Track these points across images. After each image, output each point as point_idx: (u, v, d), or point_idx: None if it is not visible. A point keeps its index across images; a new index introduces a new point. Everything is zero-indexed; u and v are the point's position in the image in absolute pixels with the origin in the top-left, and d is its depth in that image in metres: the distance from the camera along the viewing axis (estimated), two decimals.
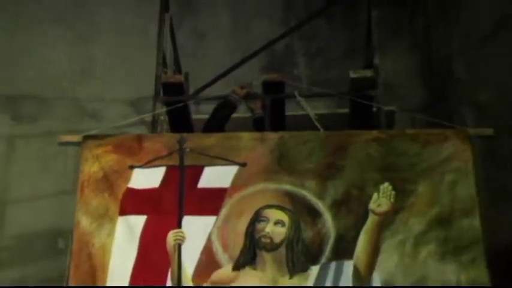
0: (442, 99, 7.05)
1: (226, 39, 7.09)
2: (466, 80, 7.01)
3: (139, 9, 6.53)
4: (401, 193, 5.18)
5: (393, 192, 5.05)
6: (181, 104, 6.16)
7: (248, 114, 6.30)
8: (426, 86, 7.20)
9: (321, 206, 5.26)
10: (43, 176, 7.10)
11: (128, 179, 5.57)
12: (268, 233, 5.13)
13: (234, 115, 6.15)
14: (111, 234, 5.41)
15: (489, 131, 5.42)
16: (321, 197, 5.30)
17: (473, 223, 5.09)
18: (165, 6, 6.30)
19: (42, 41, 7.68)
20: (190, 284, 5.16)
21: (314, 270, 5.09)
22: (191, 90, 6.49)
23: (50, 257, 6.73)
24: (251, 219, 5.25)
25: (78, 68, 7.57)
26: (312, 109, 5.91)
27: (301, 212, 5.28)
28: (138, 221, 5.43)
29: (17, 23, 7.81)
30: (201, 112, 6.62)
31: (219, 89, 6.42)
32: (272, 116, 6.07)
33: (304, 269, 5.09)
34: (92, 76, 7.47)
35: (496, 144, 5.57)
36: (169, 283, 5.15)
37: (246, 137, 5.68)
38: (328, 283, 5.03)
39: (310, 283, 5.05)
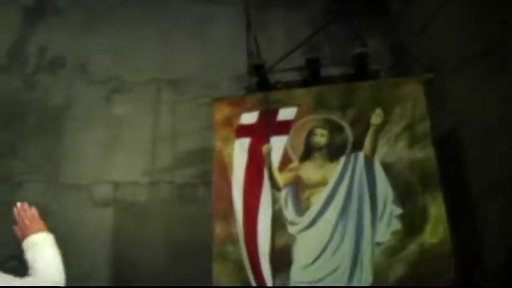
0: (403, 64, 7.04)
1: (282, 42, 7.00)
2: (415, 53, 7.00)
3: (240, 34, 6.40)
4: (386, 113, 5.37)
5: (382, 113, 5.35)
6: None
7: (299, 79, 6.25)
8: (393, 58, 7.13)
9: (344, 124, 5.44)
10: (192, 120, 7.14)
11: (239, 119, 5.74)
12: (317, 141, 5.46)
13: (297, 78, 6.19)
14: (232, 148, 5.65)
15: (430, 76, 5.60)
16: (343, 119, 5.45)
17: (425, 126, 5.26)
18: (248, 27, 6.34)
19: (187, 47, 7.74)
20: (277, 173, 5.48)
21: (342, 158, 5.35)
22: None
23: (200, 162, 6.87)
24: (306, 134, 5.51)
25: (204, 62, 7.60)
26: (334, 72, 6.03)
27: (334, 128, 5.47)
28: (246, 141, 5.65)
29: (162, 40, 7.89)
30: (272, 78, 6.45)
31: (280, 66, 6.27)
32: (313, 78, 6.05)
33: (337, 158, 5.35)
34: (214, 65, 7.47)
35: (433, 84, 5.59)
36: (265, 172, 5.47)
37: (302, 91, 5.85)
38: (351, 164, 5.31)
39: (340, 165, 5.32)
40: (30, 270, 2.75)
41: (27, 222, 2.91)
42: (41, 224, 2.94)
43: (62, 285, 2.72)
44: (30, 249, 2.82)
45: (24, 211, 2.96)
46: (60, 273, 2.73)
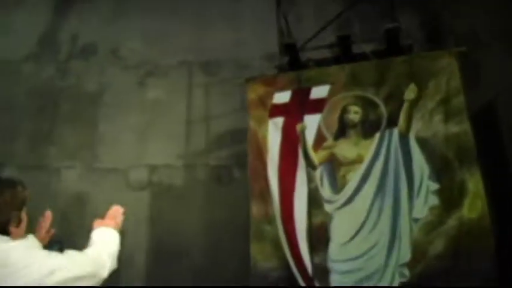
0: (436, 38, 6.94)
1: (312, 20, 6.89)
2: (448, 27, 6.93)
3: (270, 14, 6.36)
4: (420, 88, 5.23)
5: (416, 88, 5.24)
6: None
7: (331, 56, 6.20)
8: (426, 32, 7.03)
9: (377, 100, 5.35)
10: (225, 102, 7.19)
11: (272, 99, 5.72)
12: (351, 118, 5.40)
13: (328, 56, 6.16)
14: (266, 129, 5.65)
15: (464, 49, 5.39)
16: (377, 95, 5.37)
17: (460, 100, 5.11)
18: (278, 7, 6.29)
19: (218, 28, 7.76)
20: (311, 151, 5.46)
21: (377, 135, 5.27)
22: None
23: (234, 144, 6.92)
24: (340, 112, 5.45)
25: (235, 43, 7.53)
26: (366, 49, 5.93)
27: (367, 105, 5.39)
28: (280, 120, 5.62)
29: (192, 23, 7.85)
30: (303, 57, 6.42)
31: (311, 44, 6.26)
32: (345, 56, 6.00)
33: (372, 135, 5.29)
34: (245, 46, 7.42)
35: (467, 57, 5.47)
36: (300, 151, 5.45)
37: (334, 68, 5.77)
38: (386, 141, 5.24)
39: (375, 141, 5.26)
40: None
41: (110, 217, 3.18)
42: (117, 223, 3.15)
43: (105, 270, 2.78)
44: (95, 235, 2.99)
45: (116, 211, 3.24)
46: (106, 263, 2.81)
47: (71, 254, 2.67)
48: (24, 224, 2.68)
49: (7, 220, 2.56)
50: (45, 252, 2.60)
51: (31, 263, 2.43)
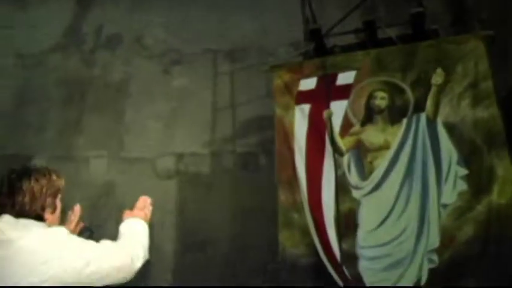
0: (462, 21, 6.88)
1: (337, 6, 6.83)
2: (474, 9, 6.85)
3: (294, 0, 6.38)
4: (448, 72, 5.16)
5: (443, 73, 5.18)
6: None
7: (356, 42, 6.19)
8: (452, 16, 6.97)
9: (404, 85, 5.29)
10: (250, 89, 7.18)
11: (298, 86, 5.69)
12: (377, 104, 5.38)
13: (353, 41, 6.14)
14: (293, 115, 5.63)
15: (491, 33, 5.28)
16: (403, 80, 5.31)
17: (488, 84, 5.02)
18: None
19: (242, 15, 7.75)
20: (338, 137, 5.45)
21: (404, 120, 5.23)
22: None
23: (260, 131, 6.94)
24: (367, 98, 5.41)
25: (260, 30, 7.54)
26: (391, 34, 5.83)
27: (394, 90, 5.34)
28: (306, 107, 5.60)
29: (215, 11, 7.87)
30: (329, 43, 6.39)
31: (337, 30, 6.27)
32: (370, 41, 5.96)
33: (399, 121, 5.24)
34: (270, 33, 7.40)
35: (494, 41, 5.38)
36: (327, 137, 5.43)
37: (360, 54, 5.70)
38: (413, 126, 5.19)
39: (402, 127, 5.21)
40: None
41: (139, 208, 3.18)
42: (146, 214, 3.16)
43: (139, 260, 2.81)
44: (125, 227, 3.00)
45: (144, 202, 3.24)
46: (140, 253, 2.84)
47: (105, 244, 2.70)
48: (58, 211, 2.73)
49: (43, 207, 2.61)
50: (81, 240, 2.63)
51: (68, 251, 2.47)
